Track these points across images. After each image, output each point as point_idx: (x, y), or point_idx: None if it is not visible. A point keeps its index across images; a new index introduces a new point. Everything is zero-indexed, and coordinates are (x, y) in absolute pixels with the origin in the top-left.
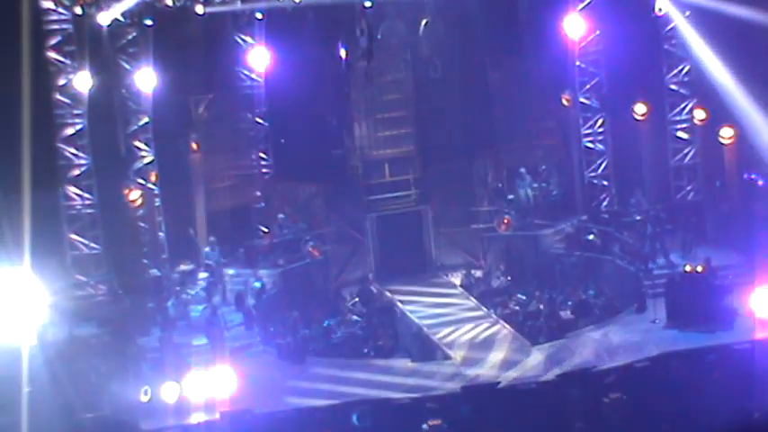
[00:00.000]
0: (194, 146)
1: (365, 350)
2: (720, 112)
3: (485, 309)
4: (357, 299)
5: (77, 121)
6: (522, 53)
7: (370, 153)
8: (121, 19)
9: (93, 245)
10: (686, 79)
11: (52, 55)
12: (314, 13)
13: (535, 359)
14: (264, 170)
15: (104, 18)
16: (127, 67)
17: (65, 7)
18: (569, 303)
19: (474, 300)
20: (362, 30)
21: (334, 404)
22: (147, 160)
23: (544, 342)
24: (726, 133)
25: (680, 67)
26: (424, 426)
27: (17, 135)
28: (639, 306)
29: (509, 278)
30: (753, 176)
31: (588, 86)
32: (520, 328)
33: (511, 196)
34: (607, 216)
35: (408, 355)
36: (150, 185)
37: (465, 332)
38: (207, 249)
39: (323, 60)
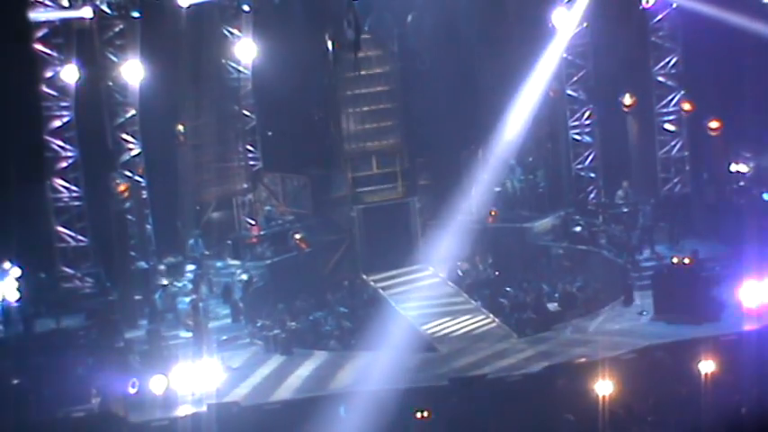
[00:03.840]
0: (181, 138)
1: (352, 342)
2: (707, 103)
3: (472, 301)
4: (344, 291)
5: (64, 113)
6: (509, 45)
7: (358, 145)
8: (108, 11)
9: (80, 237)
10: (673, 71)
11: (39, 47)
12: (301, 5)
13: (522, 351)
14: (252, 162)
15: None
16: (114, 59)
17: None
18: (556, 295)
19: (461, 292)
20: (350, 22)
21: (321, 396)
22: (134, 153)
23: (531, 334)
24: (713, 125)
25: (667, 59)
26: (412, 418)
27: (4, 127)
28: (626, 298)
29: (496, 270)
30: (739, 168)
31: (575, 79)
32: (507, 320)
33: (498, 188)
34: (594, 208)
35: (395, 347)
36: (137, 178)
37: (452, 324)
38: (191, 241)
39: (310, 52)
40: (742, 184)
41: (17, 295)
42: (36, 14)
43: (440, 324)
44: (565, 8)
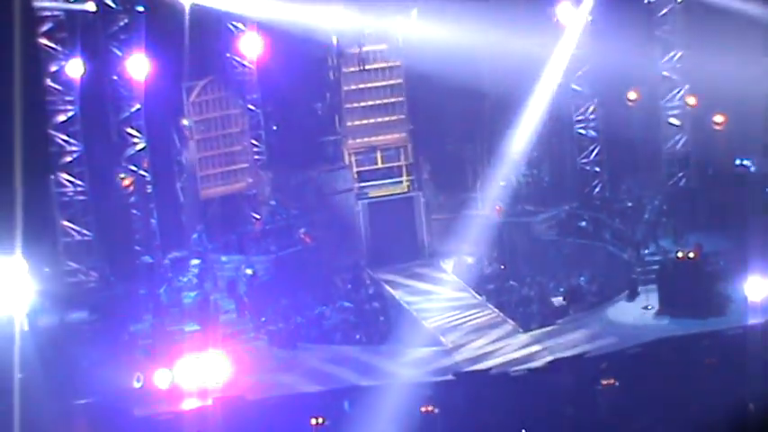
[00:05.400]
0: (186, 133)
1: (357, 336)
2: (712, 98)
3: (477, 295)
4: (349, 285)
5: (69, 107)
6: (514, 39)
7: (362, 140)
8: (113, 5)
9: (85, 231)
10: (678, 66)
11: (44, 41)
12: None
13: (527, 345)
14: (256, 157)
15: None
16: (119, 53)
17: None
18: (561, 290)
19: (466, 286)
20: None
21: (326, 390)
22: (138, 147)
23: (536, 328)
24: (718, 119)
25: (672, 54)
26: (417, 412)
27: (9, 122)
28: (631, 292)
29: (501, 264)
30: (744, 163)
31: (580, 73)
32: (512, 315)
33: (503, 183)
34: (599, 203)
35: (400, 342)
36: (142, 172)
37: (457, 318)
38: (195, 236)
39: (315, 47)
40: (746, 178)
41: (22, 290)
42: (41, 3)
43: (445, 318)
44: (570, 3)
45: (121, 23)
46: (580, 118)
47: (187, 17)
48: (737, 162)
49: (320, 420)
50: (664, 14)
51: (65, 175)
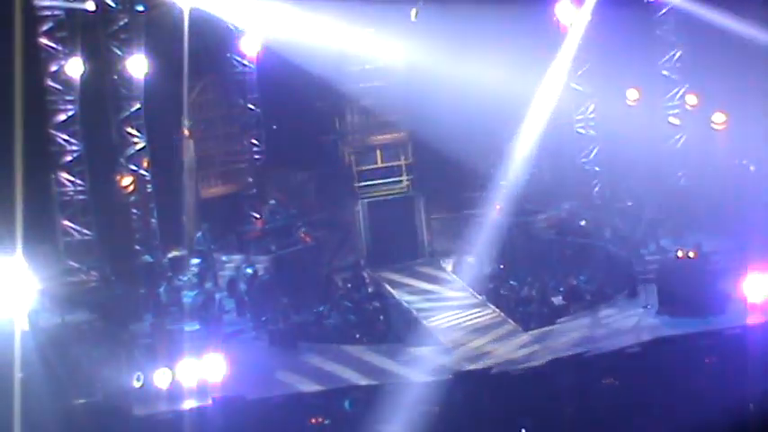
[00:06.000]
0: (186, 132)
1: (357, 336)
2: (712, 97)
3: (477, 295)
4: (349, 285)
5: (69, 107)
6: (514, 37)
7: (362, 139)
8: (112, 5)
9: (85, 231)
10: (678, 65)
11: (44, 41)
12: None
13: (527, 345)
14: (256, 156)
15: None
16: (118, 53)
17: None
18: (561, 289)
19: (466, 286)
20: None
21: (327, 390)
22: (138, 147)
23: (536, 328)
24: (718, 119)
25: (672, 53)
26: (417, 412)
27: (9, 121)
28: (631, 292)
29: (501, 264)
30: (744, 162)
31: (580, 72)
32: (512, 314)
33: (503, 182)
34: (599, 202)
35: (400, 341)
36: (142, 172)
37: (457, 318)
38: (198, 235)
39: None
40: (746, 177)
41: (23, 290)
42: (41, 2)
43: (444, 317)
44: (570, 3)
45: (121, 23)
46: (580, 117)
47: (187, 16)
48: (737, 161)
49: (320, 420)
50: (664, 14)
51: (65, 175)
